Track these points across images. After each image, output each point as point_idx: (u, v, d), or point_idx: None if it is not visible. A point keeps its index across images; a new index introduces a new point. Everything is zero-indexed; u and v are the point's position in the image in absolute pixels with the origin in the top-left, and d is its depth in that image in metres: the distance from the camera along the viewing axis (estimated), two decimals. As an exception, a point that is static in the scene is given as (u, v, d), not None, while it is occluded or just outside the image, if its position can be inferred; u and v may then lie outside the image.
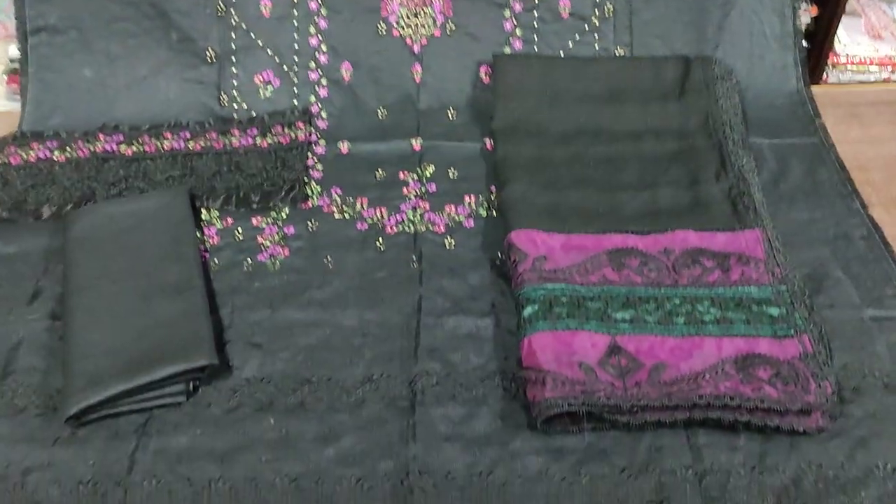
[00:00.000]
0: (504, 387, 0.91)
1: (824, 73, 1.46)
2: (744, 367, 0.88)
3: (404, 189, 1.17)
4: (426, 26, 1.31)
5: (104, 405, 0.87)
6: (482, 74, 1.31)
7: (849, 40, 1.46)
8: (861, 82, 1.45)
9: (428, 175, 1.19)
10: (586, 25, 1.32)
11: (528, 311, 0.95)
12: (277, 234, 1.11)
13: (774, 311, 0.94)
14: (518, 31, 1.31)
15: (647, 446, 0.85)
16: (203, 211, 1.14)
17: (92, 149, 1.22)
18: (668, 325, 0.93)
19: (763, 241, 1.03)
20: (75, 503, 0.81)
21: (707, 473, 0.83)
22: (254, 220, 1.13)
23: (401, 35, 1.30)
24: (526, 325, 0.93)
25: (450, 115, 1.29)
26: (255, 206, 1.14)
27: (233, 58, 1.30)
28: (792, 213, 1.11)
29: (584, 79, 1.28)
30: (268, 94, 1.30)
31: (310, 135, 1.25)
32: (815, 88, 1.34)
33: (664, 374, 0.88)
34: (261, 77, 1.30)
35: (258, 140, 1.24)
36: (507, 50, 1.31)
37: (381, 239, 1.10)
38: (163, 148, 1.23)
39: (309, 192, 1.17)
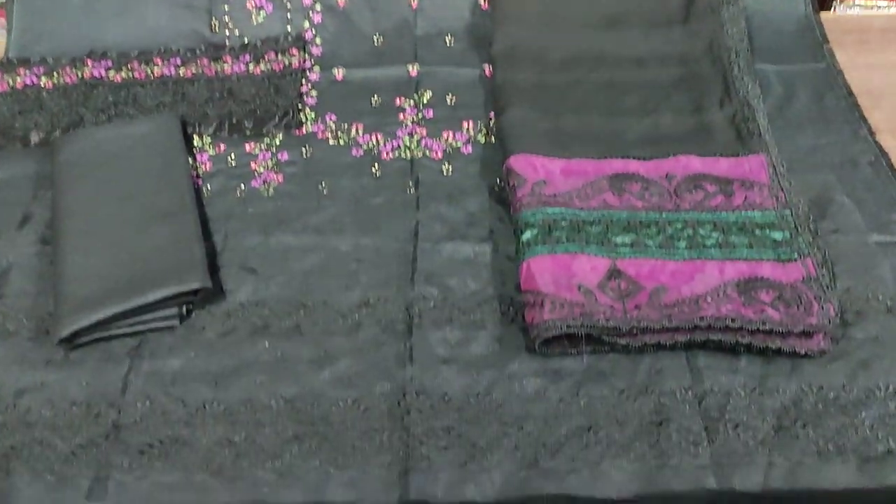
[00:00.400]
0: (502, 311, 0.90)
1: (832, 8, 1.42)
2: (746, 289, 0.87)
3: (401, 115, 1.14)
4: (423, -50, 1.26)
5: (96, 328, 0.86)
6: (480, 0, 1.27)
7: (857, -27, 1.41)
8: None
9: (425, 101, 1.16)
10: (589, -51, 1.27)
11: (526, 235, 0.93)
12: (271, 160, 1.09)
13: (778, 235, 0.93)
14: (518, -45, 1.27)
15: (646, 368, 0.85)
16: (195, 137, 1.12)
17: (80, 75, 1.19)
18: (670, 249, 0.92)
19: (767, 166, 1.01)
20: (68, 424, 0.80)
21: (707, 395, 0.82)
22: (247, 147, 1.10)
23: (397, -41, 1.26)
24: (524, 248, 0.92)
25: (447, 42, 1.25)
26: (248, 132, 1.12)
27: (224, -18, 1.26)
28: (798, 139, 1.09)
29: (585, 3, 1.24)
30: (260, 19, 1.26)
31: (303, 61, 1.22)
32: (823, 14, 1.30)
33: (665, 296, 0.87)
34: (253, 2, 1.26)
35: (251, 67, 1.21)
36: (507, -26, 1.27)
37: (376, 165, 1.07)
38: (153, 74, 1.20)
39: (303, 119, 1.14)
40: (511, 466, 0.77)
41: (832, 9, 1.41)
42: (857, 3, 1.42)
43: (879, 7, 1.41)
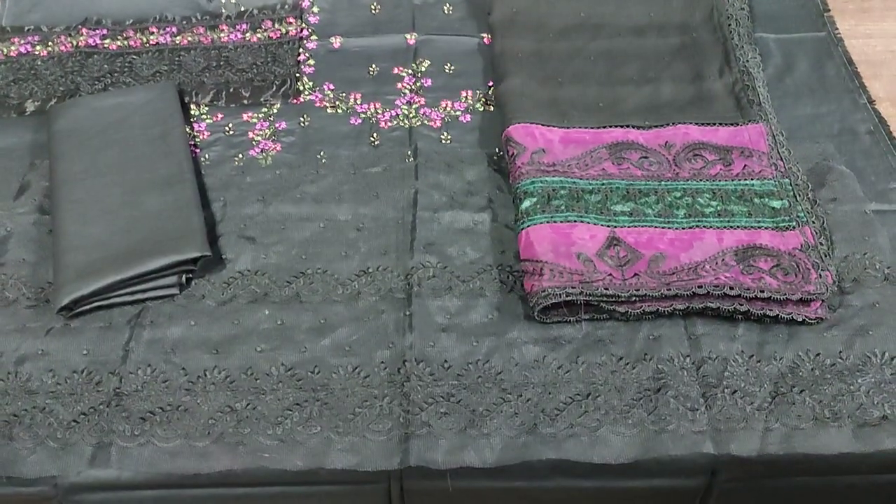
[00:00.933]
0: (501, 280, 0.90)
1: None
2: (744, 257, 0.87)
3: (399, 84, 1.14)
4: (421, -83, 1.25)
5: (96, 296, 0.86)
6: (479, -33, 1.26)
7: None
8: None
9: (423, 70, 1.15)
10: (589, -85, 1.26)
11: (526, 203, 0.93)
12: (269, 129, 1.08)
13: (776, 203, 0.93)
14: (517, -77, 1.25)
15: (644, 336, 0.85)
16: (192, 107, 1.11)
17: (75, 43, 1.18)
18: (669, 218, 0.92)
19: (766, 135, 1.01)
20: (70, 391, 0.81)
21: (705, 361, 0.83)
22: (244, 116, 1.10)
23: (395, -73, 1.25)
24: (524, 217, 0.92)
25: (446, 10, 1.24)
26: (245, 101, 1.11)
27: (219, -51, 1.25)
28: (797, 108, 1.09)
29: (585, -29, 1.23)
30: (256, -13, 1.25)
31: (301, 30, 1.21)
32: (824, -18, 1.29)
33: (663, 264, 0.87)
34: (249, -30, 1.25)
35: (248, 35, 1.20)
36: (506, -59, 1.25)
37: (375, 134, 1.07)
38: (148, 43, 1.19)
39: (300, 88, 1.13)
40: (510, 432, 0.78)
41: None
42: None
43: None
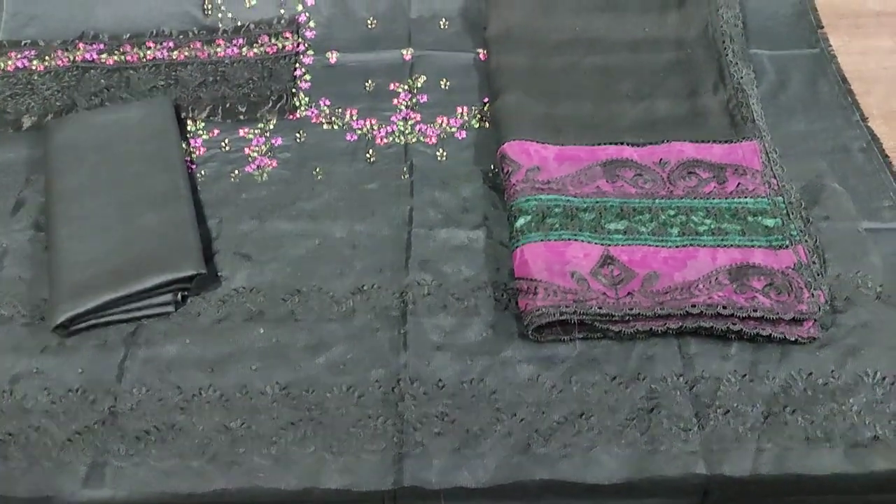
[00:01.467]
0: (496, 298, 0.91)
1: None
2: (737, 276, 0.88)
3: (395, 100, 1.14)
4: (418, -67, 1.25)
5: (92, 314, 0.86)
6: (475, -18, 1.26)
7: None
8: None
9: (419, 86, 1.16)
10: (584, -69, 1.26)
11: (520, 221, 0.93)
12: (265, 145, 1.08)
13: (770, 221, 0.93)
14: (512, -62, 1.26)
15: (638, 355, 0.85)
16: (189, 122, 1.11)
17: (71, 58, 1.18)
18: (662, 236, 0.92)
19: (760, 153, 1.01)
20: (65, 410, 0.81)
21: (698, 381, 0.83)
22: (240, 132, 1.10)
23: (391, -58, 1.25)
24: (518, 235, 0.92)
25: (442, 25, 1.25)
26: (241, 117, 1.12)
27: (216, -36, 1.25)
28: (791, 125, 1.10)
29: (580, -13, 1.24)
30: (253, 2, 1.25)
31: (297, 45, 1.22)
32: (818, -1, 1.30)
33: (657, 283, 0.87)
34: (246, -16, 1.25)
35: (244, 50, 1.21)
36: (502, -43, 1.26)
37: (371, 150, 1.07)
38: (145, 57, 1.19)
39: (297, 103, 1.14)
40: (504, 452, 0.78)
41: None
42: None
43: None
